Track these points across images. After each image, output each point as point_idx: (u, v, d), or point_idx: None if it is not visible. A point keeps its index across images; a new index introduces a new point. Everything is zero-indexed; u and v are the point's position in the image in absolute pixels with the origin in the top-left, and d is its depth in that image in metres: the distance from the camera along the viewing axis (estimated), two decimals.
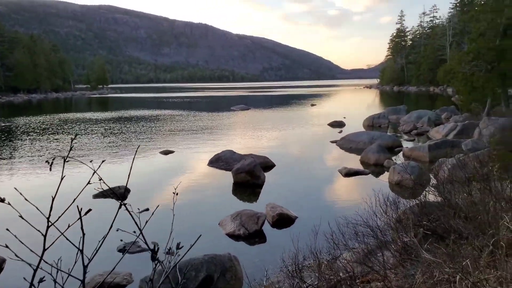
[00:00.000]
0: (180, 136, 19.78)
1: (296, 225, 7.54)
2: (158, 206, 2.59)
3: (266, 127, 23.38)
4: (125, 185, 10.28)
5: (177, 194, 1.96)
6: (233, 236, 7.04)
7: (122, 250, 6.59)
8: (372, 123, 23.48)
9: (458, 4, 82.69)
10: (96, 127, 24.15)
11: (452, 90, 62.72)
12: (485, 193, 5.22)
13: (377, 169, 12.30)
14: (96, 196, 9.74)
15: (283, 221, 7.62)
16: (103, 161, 1.68)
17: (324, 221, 7.50)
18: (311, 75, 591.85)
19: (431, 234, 5.28)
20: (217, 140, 18.47)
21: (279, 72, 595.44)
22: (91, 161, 1.59)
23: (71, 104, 55.61)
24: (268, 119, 29.00)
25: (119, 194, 9.97)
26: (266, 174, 11.45)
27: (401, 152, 14.58)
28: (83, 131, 22.15)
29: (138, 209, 2.89)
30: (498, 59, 17.47)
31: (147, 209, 8.64)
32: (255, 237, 7.00)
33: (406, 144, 16.39)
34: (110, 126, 24.32)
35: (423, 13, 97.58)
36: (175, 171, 12.46)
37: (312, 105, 44.41)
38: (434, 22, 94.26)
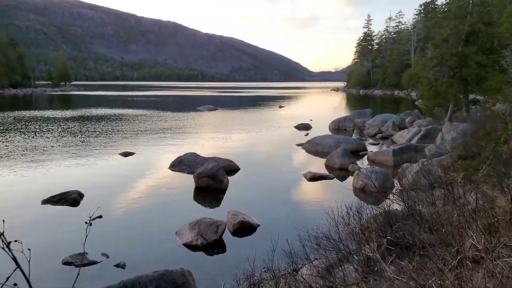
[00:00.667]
0: (142, 137, 19.06)
1: (257, 234, 7.21)
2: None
3: (232, 129, 23.00)
4: (78, 189, 9.66)
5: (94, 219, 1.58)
6: (190, 246, 6.62)
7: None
8: (338, 126, 23.57)
9: (422, 11, 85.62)
10: (53, 126, 22.94)
11: (416, 94, 64.63)
12: (448, 203, 5.09)
13: (341, 173, 12.20)
14: (45, 201, 9.02)
15: (244, 229, 7.26)
16: None
17: (286, 230, 7.22)
18: (280, 76, 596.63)
19: (394, 246, 5.09)
20: (180, 142, 17.90)
21: (248, 72, 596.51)
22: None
23: (30, 101, 53.01)
24: (235, 120, 28.62)
25: (72, 199, 9.32)
26: (230, 178, 11.08)
27: (366, 156, 14.59)
28: (38, 130, 20.95)
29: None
30: (460, 65, 17.90)
31: (100, 216, 8.07)
32: (214, 247, 6.61)
33: (371, 148, 16.47)
34: (69, 126, 23.18)
35: (389, 18, 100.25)
36: (134, 174, 11.84)
37: (280, 107, 44.42)
38: (399, 27, 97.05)
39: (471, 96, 20.99)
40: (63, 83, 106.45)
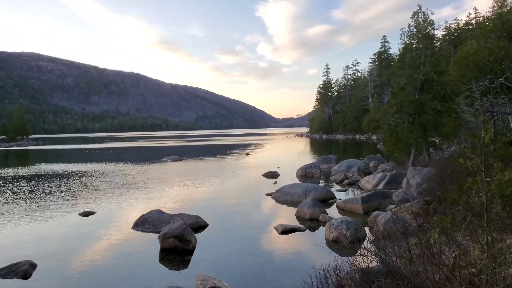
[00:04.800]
0: (104, 194, 18.16)
1: None
2: None
3: (199, 180, 22.49)
4: (30, 259, 8.81)
5: None
6: None
7: None
8: (305, 173, 23.64)
9: (376, 59, 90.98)
10: (3, 187, 21.56)
11: (376, 137, 66.98)
12: (426, 261, 4.94)
13: (313, 224, 11.97)
14: None
15: None
16: None
17: None
18: (245, 123, 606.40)
19: None
20: (145, 197, 17.18)
21: (214, 120, 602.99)
22: None
23: None
24: (202, 170, 28.16)
25: (22, 271, 8.44)
26: (198, 235, 10.57)
27: (335, 204, 14.51)
28: None
29: None
30: (418, 111, 18.75)
31: None
32: None
33: (339, 196, 16.45)
34: (22, 186, 21.85)
35: (346, 67, 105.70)
36: (94, 236, 11.06)
37: (247, 154, 44.47)
38: (356, 74, 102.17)
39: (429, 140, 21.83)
40: (20, 137, 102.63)
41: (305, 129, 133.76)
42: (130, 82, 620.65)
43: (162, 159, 38.12)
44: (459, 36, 59.81)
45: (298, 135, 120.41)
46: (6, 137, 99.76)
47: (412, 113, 18.80)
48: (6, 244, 10.45)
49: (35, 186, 21.23)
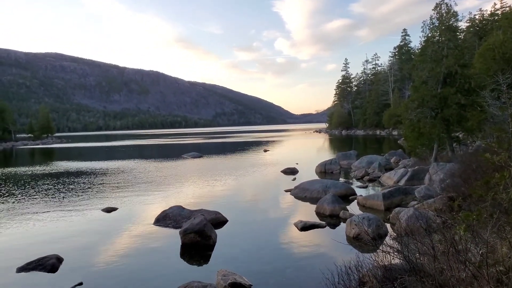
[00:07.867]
0: (126, 190, 18.47)
1: None
2: None
3: (218, 176, 22.61)
4: (57, 253, 9.05)
5: None
6: None
7: None
8: (324, 169, 23.46)
9: (396, 53, 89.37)
10: (30, 184, 22.17)
11: (397, 133, 65.90)
12: (451, 258, 4.83)
13: (333, 220, 11.87)
14: (21, 269, 8.35)
15: None
16: None
17: None
18: (263, 120, 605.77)
19: None
20: (165, 193, 17.39)
21: (232, 117, 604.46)
22: None
23: (10, 156, 51.88)
24: (221, 167, 28.30)
25: (50, 265, 8.68)
26: (218, 231, 10.63)
27: (356, 201, 14.34)
28: (14, 189, 20.19)
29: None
30: (441, 106, 18.30)
31: (81, 283, 7.49)
32: None
33: (360, 192, 16.26)
34: (48, 182, 22.43)
35: (366, 61, 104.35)
36: (116, 232, 11.27)
37: (265, 150, 44.44)
38: (376, 69, 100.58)
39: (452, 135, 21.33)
40: (45, 135, 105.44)
41: (324, 125, 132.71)
42: (149, 80, 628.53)
43: (182, 156, 38.49)
44: (484, 27, 58.13)
45: (316, 131, 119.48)
46: (32, 135, 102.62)
47: (434, 107, 18.36)
48: (34, 239, 10.76)
49: (59, 183, 21.77)
